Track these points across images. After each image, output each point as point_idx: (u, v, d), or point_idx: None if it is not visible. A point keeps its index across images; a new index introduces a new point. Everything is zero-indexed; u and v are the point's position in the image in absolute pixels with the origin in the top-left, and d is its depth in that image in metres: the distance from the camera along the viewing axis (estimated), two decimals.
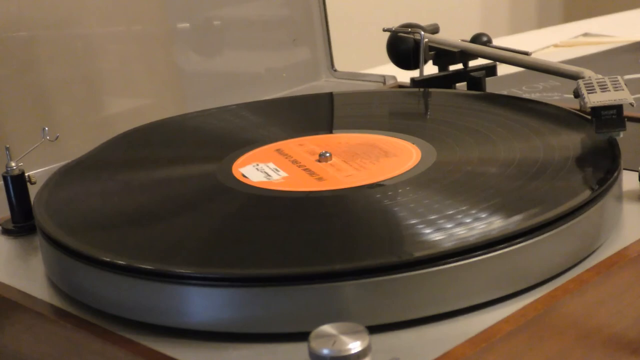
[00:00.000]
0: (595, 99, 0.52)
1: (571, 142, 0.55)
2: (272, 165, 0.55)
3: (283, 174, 0.53)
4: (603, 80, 0.56)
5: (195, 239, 0.48)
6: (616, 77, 0.56)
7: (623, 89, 0.54)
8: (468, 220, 0.45)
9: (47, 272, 0.51)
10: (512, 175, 0.51)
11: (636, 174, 0.54)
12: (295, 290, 0.42)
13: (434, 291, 0.43)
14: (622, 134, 0.52)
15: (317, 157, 0.56)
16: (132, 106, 0.81)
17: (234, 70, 0.87)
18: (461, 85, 0.73)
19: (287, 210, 0.50)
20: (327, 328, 0.38)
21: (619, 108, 0.52)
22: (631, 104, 0.52)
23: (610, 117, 0.52)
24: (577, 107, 0.59)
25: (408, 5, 1.77)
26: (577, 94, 0.56)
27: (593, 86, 0.55)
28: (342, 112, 0.71)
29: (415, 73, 0.73)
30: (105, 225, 0.51)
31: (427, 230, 0.45)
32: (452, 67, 0.73)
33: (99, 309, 0.46)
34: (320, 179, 0.53)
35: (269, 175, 0.53)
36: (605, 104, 0.52)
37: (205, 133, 0.65)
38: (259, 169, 0.54)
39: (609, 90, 0.54)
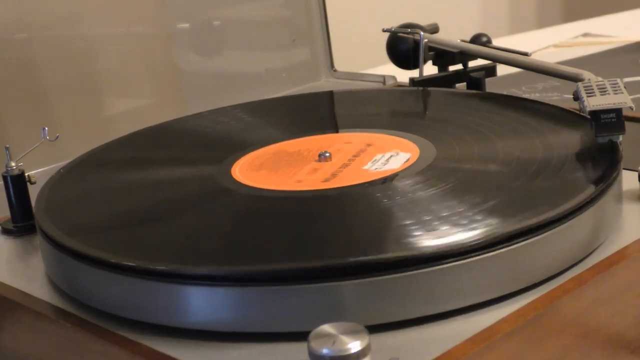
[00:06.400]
0: (595, 103, 0.52)
1: (571, 141, 0.55)
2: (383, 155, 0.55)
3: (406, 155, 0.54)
4: (602, 83, 0.56)
5: (195, 239, 0.48)
6: (615, 80, 0.56)
7: (622, 92, 0.54)
8: (468, 221, 0.45)
9: (47, 272, 0.51)
10: (512, 174, 0.51)
11: (636, 173, 0.54)
12: (295, 290, 0.42)
13: (433, 291, 0.43)
14: (621, 138, 0.52)
15: (316, 157, 0.56)
16: (132, 106, 0.81)
17: (234, 70, 0.87)
18: (461, 86, 0.73)
19: (287, 210, 0.50)
20: (326, 328, 0.38)
21: (618, 111, 0.52)
22: (630, 108, 0.52)
23: (609, 120, 0.52)
24: (577, 107, 0.59)
25: (408, 5, 1.77)
26: (576, 97, 0.56)
27: (592, 89, 0.55)
28: (342, 112, 0.71)
29: (415, 73, 0.73)
30: (105, 225, 0.51)
31: (428, 230, 0.45)
32: (452, 68, 0.73)
33: (99, 309, 0.46)
34: (320, 178, 0.53)
35: (393, 158, 0.54)
36: (605, 108, 0.52)
37: (204, 135, 0.65)
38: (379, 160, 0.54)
39: (609, 94, 0.54)
